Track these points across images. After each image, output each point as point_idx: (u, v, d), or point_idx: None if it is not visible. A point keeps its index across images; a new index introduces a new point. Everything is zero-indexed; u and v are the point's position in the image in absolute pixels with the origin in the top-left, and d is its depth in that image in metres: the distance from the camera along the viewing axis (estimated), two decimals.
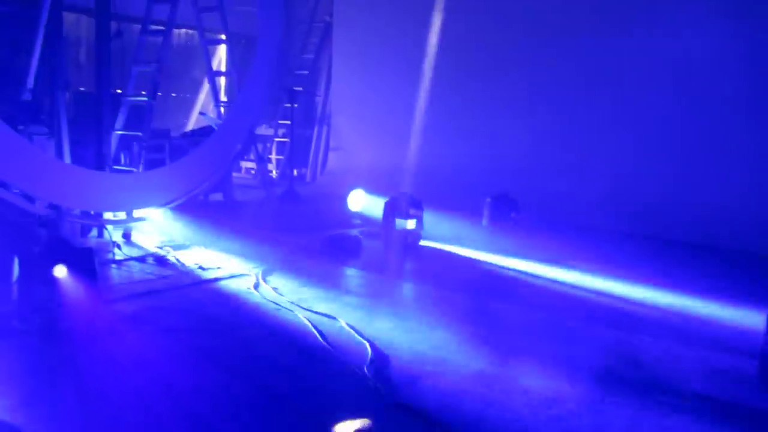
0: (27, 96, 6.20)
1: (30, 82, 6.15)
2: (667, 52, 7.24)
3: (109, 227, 6.10)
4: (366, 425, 2.58)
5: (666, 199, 7.35)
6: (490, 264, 6.01)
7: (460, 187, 8.24)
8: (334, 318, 4.15)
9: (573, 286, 5.26)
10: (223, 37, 8.29)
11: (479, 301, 4.81)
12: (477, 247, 6.50)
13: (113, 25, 6.57)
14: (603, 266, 5.71)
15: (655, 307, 4.73)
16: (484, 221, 7.46)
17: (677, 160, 7.36)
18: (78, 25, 9.86)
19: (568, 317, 4.39)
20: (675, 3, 7.20)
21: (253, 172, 11.32)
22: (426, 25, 9.09)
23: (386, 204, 6.78)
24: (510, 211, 7.43)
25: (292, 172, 9.19)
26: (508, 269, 5.84)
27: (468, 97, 9.05)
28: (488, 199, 7.46)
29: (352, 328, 3.96)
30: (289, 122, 9.91)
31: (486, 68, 8.87)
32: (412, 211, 6.64)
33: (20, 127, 6.00)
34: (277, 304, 4.45)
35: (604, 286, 5.23)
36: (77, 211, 5.79)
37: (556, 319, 4.34)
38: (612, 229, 6.97)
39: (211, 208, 8.15)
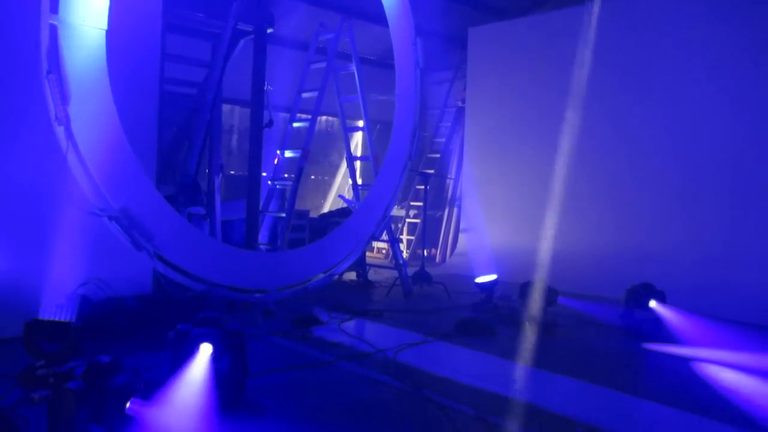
0: (188, 179, 6.80)
1: (192, 166, 6.75)
2: None
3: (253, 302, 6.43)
4: None
5: None
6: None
7: (599, 273, 7.97)
8: (470, 408, 4.06)
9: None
10: (362, 124, 8.73)
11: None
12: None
13: (266, 115, 7.12)
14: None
15: None
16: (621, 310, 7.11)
17: None
18: (231, 115, 10.81)
19: None
20: None
21: (384, 251, 11.59)
22: (558, 108, 9.11)
23: (522, 287, 6.72)
24: (649, 301, 7.02)
25: (423, 252, 9.31)
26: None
27: (603, 181, 8.87)
28: (627, 288, 7.13)
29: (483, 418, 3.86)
30: (420, 203, 10.14)
31: (626, 152, 8.69)
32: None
33: (181, 208, 6.58)
34: (410, 387, 4.43)
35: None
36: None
37: None
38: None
39: (345, 287, 8.41)
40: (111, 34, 5.19)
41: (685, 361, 5.38)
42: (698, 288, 7.28)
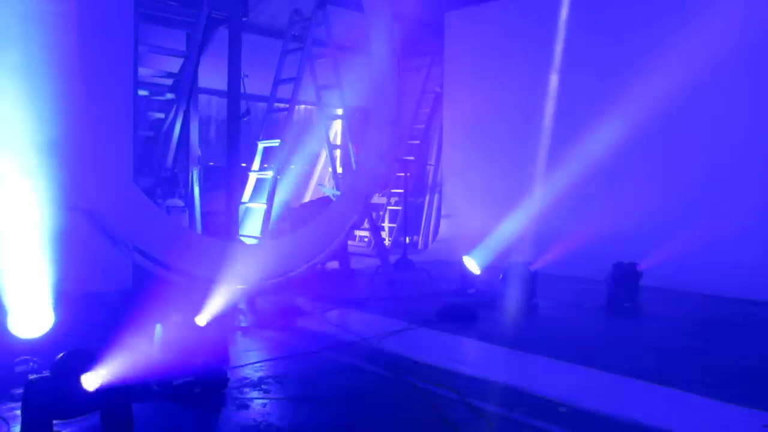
0: (166, 171, 6.72)
1: (170, 158, 6.67)
2: None
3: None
4: None
5: None
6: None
7: (580, 254, 8.03)
8: (453, 392, 4.07)
9: None
10: (340, 112, 8.68)
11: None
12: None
13: (243, 105, 7.04)
14: None
15: None
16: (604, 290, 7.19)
17: None
18: (209, 105, 10.70)
19: None
20: None
21: (366, 240, 11.58)
22: (536, 93, 9.13)
23: (504, 271, 6.75)
24: (631, 281, 7.09)
25: (405, 239, 9.31)
26: None
27: (583, 162, 8.89)
28: (610, 268, 7.20)
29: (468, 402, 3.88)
30: (401, 191, 10.14)
31: (606, 133, 8.70)
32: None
33: (159, 201, 6.51)
34: (394, 374, 4.44)
35: None
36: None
37: None
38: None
39: (328, 276, 8.39)
40: (82, 23, 5.09)
41: (668, 338, 5.44)
42: (679, 265, 7.37)
